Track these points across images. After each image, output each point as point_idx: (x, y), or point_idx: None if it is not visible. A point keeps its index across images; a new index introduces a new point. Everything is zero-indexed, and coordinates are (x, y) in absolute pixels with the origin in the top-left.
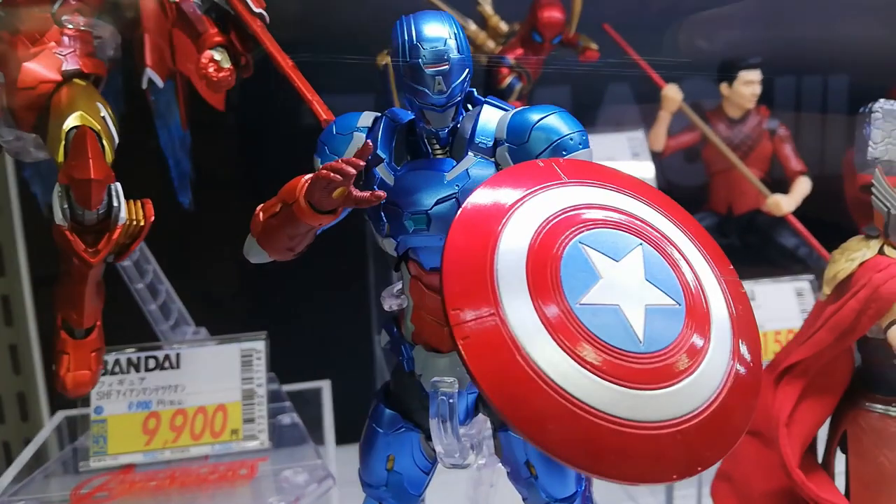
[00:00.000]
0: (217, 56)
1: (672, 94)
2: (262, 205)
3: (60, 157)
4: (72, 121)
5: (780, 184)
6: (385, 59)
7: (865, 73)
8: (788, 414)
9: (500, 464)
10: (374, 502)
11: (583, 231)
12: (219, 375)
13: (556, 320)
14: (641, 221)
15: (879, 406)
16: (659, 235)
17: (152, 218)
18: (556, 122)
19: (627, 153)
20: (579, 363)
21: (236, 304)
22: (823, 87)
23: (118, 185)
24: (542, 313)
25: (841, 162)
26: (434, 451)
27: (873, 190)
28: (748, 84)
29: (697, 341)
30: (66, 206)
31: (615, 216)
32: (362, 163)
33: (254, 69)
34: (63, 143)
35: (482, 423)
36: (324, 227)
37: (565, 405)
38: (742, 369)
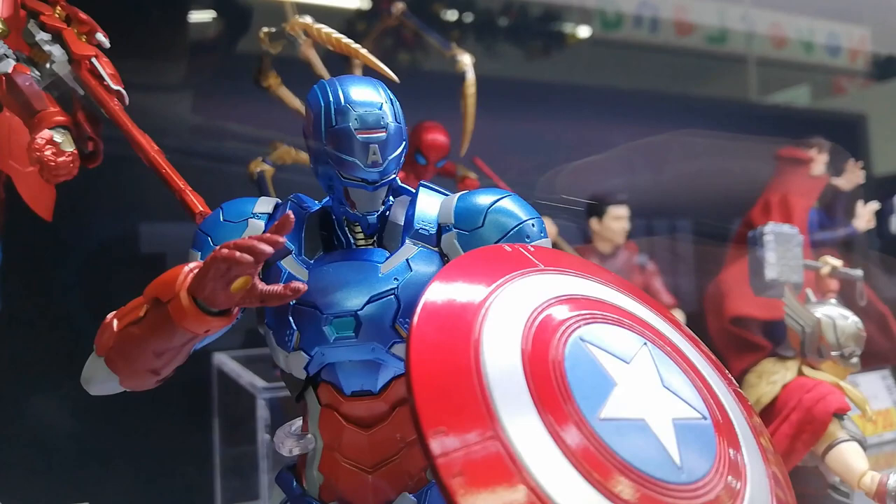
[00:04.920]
0: (57, 137)
1: (546, 226)
2: (113, 312)
3: None
4: None
5: None
6: (259, 166)
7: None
8: None
9: None
10: None
11: (580, 325)
12: None
13: (576, 444)
14: (634, 317)
15: None
16: (656, 334)
17: None
18: (513, 205)
19: None
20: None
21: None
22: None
23: None
24: (556, 435)
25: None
26: None
27: (786, 310)
28: (617, 219)
29: (736, 464)
30: None
31: (609, 310)
32: (281, 239)
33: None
34: None
35: None
36: (209, 338)
37: None
38: (782, 495)
